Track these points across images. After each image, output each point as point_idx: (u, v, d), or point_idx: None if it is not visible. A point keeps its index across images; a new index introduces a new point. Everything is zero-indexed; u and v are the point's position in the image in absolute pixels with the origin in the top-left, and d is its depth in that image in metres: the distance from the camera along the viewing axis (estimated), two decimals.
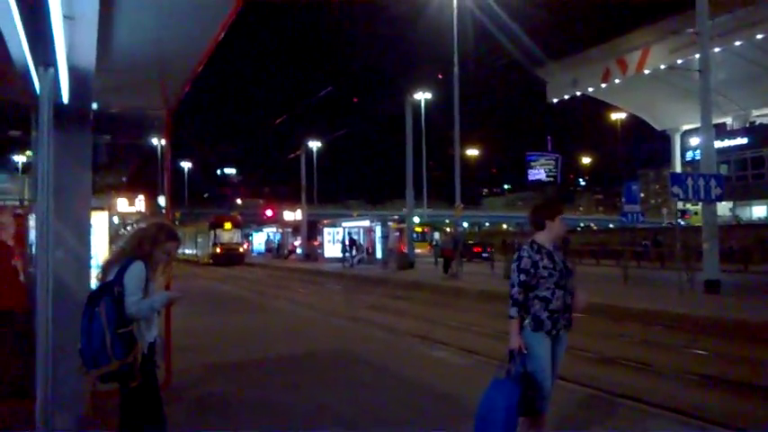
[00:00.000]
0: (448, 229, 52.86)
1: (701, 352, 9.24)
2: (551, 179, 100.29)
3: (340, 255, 33.97)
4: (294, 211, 58.04)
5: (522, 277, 4.06)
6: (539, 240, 4.21)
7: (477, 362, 8.51)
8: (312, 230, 46.79)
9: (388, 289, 21.35)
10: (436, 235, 51.96)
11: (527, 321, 4.06)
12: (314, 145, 54.52)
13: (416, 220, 40.08)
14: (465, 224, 77.78)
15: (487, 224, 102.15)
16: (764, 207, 46.87)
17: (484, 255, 36.83)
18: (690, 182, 15.34)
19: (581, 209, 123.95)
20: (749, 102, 44.48)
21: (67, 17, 2.62)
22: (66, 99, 3.43)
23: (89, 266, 4.34)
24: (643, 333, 11.00)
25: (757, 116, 47.75)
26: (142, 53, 3.96)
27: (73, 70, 3.18)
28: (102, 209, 6.92)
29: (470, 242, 39.00)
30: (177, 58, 4.17)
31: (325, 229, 41.97)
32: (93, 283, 4.15)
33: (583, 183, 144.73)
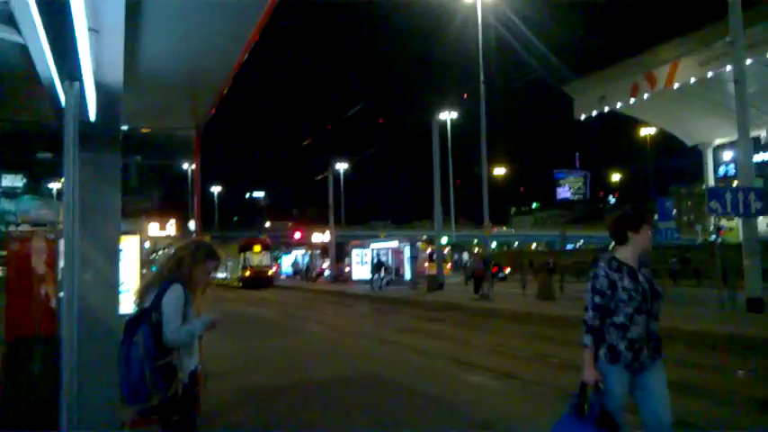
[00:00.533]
0: (476, 249, 52.38)
1: (747, 373, 8.81)
2: (580, 197, 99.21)
3: (369, 276, 33.76)
4: (322, 232, 58.20)
5: (598, 299, 3.57)
6: (619, 256, 3.67)
7: (514, 386, 8.23)
8: (340, 252, 46.76)
9: (419, 310, 21.06)
10: (465, 255, 51.51)
11: (601, 352, 3.55)
12: (341, 166, 54.79)
13: (444, 240, 39.75)
14: (494, 244, 77.27)
15: (516, 243, 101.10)
16: None
17: (500, 275, 36.15)
18: (728, 196, 14.86)
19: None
20: None
21: (93, 30, 2.52)
22: (93, 117, 3.34)
23: (118, 290, 4.23)
24: (688, 354, 10.56)
25: None
26: (170, 68, 3.87)
27: (100, 86, 3.08)
28: (133, 233, 6.87)
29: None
30: (206, 74, 4.08)
31: (354, 251, 41.87)
32: (126, 308, 4.03)
33: (613, 199, 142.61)
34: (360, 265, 39.72)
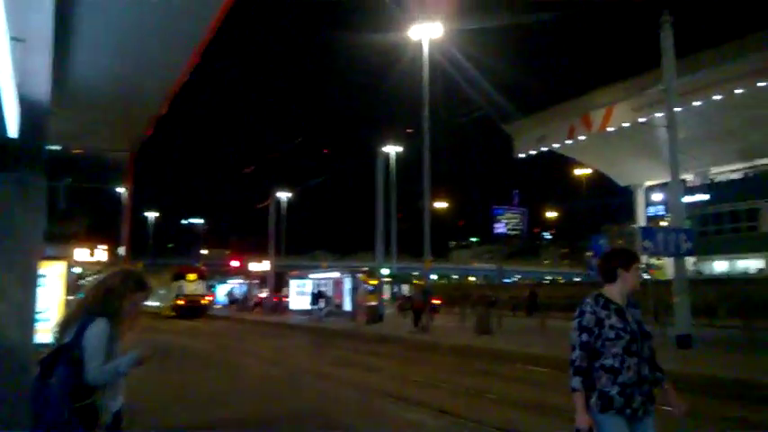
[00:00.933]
0: (415, 282, 52.54)
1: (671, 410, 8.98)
2: (516, 233, 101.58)
3: (308, 307, 33.21)
4: (261, 261, 57.28)
5: (585, 337, 3.37)
6: (607, 294, 3.51)
7: (452, 423, 8.10)
8: (279, 282, 45.95)
9: (357, 343, 20.79)
10: (405, 288, 51.56)
11: (593, 400, 3.31)
12: (282, 195, 54.37)
13: (386, 272, 39.72)
14: (434, 276, 77.88)
15: (456, 276, 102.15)
16: (726, 262, 47.91)
17: (432, 307, 36.21)
18: (660, 236, 15.41)
19: (546, 262, 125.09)
20: (708, 159, 45.95)
21: (17, 39, 2.31)
22: (14, 133, 3.09)
23: (34, 320, 3.90)
24: None
25: (716, 173, 49.39)
26: (104, 86, 3.66)
27: (24, 100, 2.84)
28: (59, 259, 6.50)
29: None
30: (141, 94, 3.88)
31: (293, 281, 41.23)
32: (45, 338, 3.72)
33: (548, 236, 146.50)
34: (299, 296, 39.10)
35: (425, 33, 27.54)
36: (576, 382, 3.34)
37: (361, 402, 9.52)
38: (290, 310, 39.09)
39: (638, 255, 3.77)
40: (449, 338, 19.46)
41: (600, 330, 3.36)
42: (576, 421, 3.33)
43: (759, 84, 33.80)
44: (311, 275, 38.62)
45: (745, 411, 8.85)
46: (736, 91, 34.87)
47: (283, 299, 42.94)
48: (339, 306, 33.63)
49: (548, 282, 78.06)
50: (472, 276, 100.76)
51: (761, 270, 44.39)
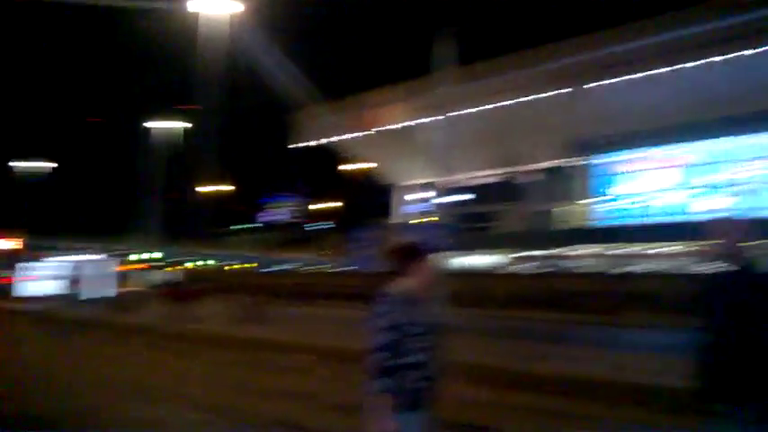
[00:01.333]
0: (179, 267, 50.02)
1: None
2: (292, 221, 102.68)
3: (52, 292, 29.68)
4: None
5: (388, 336, 3.16)
6: (405, 288, 3.39)
7: (207, 418, 7.48)
8: (17, 262, 40.29)
9: (108, 333, 18.85)
10: (171, 273, 48.87)
11: (398, 400, 3.12)
12: (29, 166, 48.18)
13: (149, 256, 37.10)
14: (209, 261, 75.63)
15: (231, 263, 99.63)
16: (472, 257, 53.51)
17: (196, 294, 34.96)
18: (424, 231, 16.31)
19: (321, 252, 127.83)
20: (466, 164, 50.85)
21: None
22: None
23: None
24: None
25: (471, 177, 54.89)
26: None
27: None
28: None
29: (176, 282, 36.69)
30: None
31: (34, 263, 36.37)
32: None
33: (325, 226, 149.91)
34: (43, 280, 34.63)
35: (205, 8, 26.25)
36: (383, 384, 3.15)
37: (100, 398, 8.42)
38: (29, 296, 34.36)
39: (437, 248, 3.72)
40: (213, 327, 18.53)
41: (403, 327, 3.19)
42: (379, 425, 3.13)
43: (520, 99, 38.39)
44: (58, 257, 34.55)
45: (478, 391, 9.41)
46: (499, 104, 39.12)
47: (12, 280, 37.29)
48: (88, 291, 30.43)
49: (323, 270, 79.63)
50: (247, 263, 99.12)
51: (501, 265, 50.29)
